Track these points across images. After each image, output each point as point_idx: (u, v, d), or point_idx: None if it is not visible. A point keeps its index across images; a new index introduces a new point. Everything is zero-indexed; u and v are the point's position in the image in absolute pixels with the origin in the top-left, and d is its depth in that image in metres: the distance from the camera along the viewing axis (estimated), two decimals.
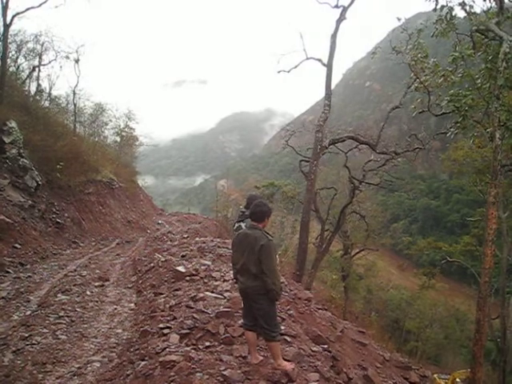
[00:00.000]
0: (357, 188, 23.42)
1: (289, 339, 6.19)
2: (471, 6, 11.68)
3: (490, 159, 11.16)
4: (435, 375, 30.19)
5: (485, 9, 12.29)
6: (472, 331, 10.78)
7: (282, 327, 6.30)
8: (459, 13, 12.57)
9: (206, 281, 9.07)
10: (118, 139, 40.75)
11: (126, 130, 40.24)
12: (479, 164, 25.76)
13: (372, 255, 37.53)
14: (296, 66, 19.70)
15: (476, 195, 33.24)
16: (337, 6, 18.39)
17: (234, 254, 5.41)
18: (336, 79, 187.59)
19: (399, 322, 40.69)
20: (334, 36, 18.42)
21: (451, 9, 11.94)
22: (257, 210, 5.25)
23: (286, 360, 5.26)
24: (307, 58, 19.22)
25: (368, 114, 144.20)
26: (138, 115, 40.03)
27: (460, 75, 13.26)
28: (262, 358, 5.40)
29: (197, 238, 16.87)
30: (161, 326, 6.66)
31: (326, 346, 6.78)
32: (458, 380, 26.71)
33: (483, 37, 11.93)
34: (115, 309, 9.59)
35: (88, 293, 10.55)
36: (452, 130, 11.88)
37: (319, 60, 18.80)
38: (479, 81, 12.03)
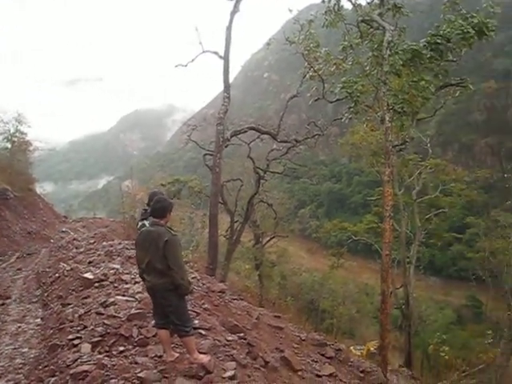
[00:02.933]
0: (262, 178, 23.79)
1: (203, 332, 6.20)
2: None
3: (383, 141, 11.87)
4: (351, 347, 31.91)
5: (369, 0, 13.01)
6: (379, 302, 11.50)
7: (197, 321, 6.29)
8: (346, 4, 13.19)
9: (116, 285, 8.78)
10: (9, 145, 37.84)
11: (17, 134, 37.44)
12: (374, 146, 27.38)
13: (283, 242, 38.40)
14: (193, 60, 19.51)
15: (374, 176, 35.26)
16: None
17: (138, 253, 5.29)
18: (235, 71, 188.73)
19: (314, 302, 42.15)
20: (229, 28, 18.47)
21: (338, 0, 12.54)
22: (157, 206, 5.17)
23: (201, 353, 5.27)
24: (204, 52, 19.11)
25: (268, 105, 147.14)
26: (29, 118, 37.38)
27: (350, 63, 13.94)
28: (177, 354, 5.36)
29: (104, 243, 16.25)
30: (70, 337, 6.35)
31: (242, 335, 6.88)
32: (372, 349, 28.50)
33: (369, 27, 12.62)
34: (19, 327, 8.92)
35: None
36: (346, 115, 12.47)
37: (216, 53, 18.77)
38: (368, 68, 12.71)
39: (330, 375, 7.91)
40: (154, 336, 5.84)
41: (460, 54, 11.61)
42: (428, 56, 11.06)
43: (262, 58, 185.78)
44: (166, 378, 4.74)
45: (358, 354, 27.18)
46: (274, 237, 33.39)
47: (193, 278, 9.16)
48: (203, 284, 9.27)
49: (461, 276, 58.71)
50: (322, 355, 9.02)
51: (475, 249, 39.90)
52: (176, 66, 19.68)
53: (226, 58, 18.38)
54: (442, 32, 10.98)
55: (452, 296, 68.26)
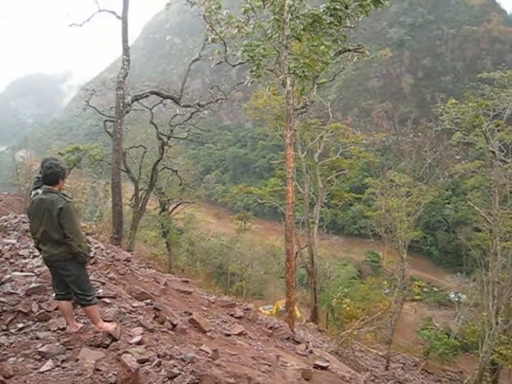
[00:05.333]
0: (166, 144, 23.36)
1: (108, 301, 6.06)
2: None
3: (285, 105, 12.07)
4: (260, 307, 33.04)
5: None
6: (285, 262, 11.95)
7: (101, 291, 6.12)
8: None
9: (12, 261, 8.21)
10: None
11: None
12: (277, 110, 27.81)
13: (189, 208, 38.36)
14: (88, 19, 18.38)
15: (278, 140, 36.00)
16: None
17: (31, 223, 4.98)
18: (135, 34, 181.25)
19: (223, 266, 42.89)
20: None
21: None
22: (49, 172, 4.86)
23: (106, 321, 5.16)
24: (100, 11, 18.03)
25: (171, 69, 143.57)
26: None
27: (252, 26, 13.84)
28: (81, 325, 5.20)
29: None
30: None
31: (149, 301, 6.83)
32: (281, 308, 29.74)
33: None
34: None
35: None
36: (248, 78, 12.47)
37: (113, 12, 17.79)
38: (269, 31, 12.70)
39: (240, 334, 8.14)
40: (56, 309, 5.60)
41: (357, 21, 11.98)
42: (328, 21, 11.30)
43: (163, 20, 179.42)
44: (70, 349, 4.60)
45: (267, 312, 28.31)
46: (180, 203, 33.25)
47: (97, 247, 8.86)
48: (108, 253, 9.00)
49: (361, 234, 62.46)
50: (232, 316, 9.24)
51: (373, 207, 42.51)
52: (70, 26, 18.46)
53: (124, 19, 17.51)
54: None
55: (353, 253, 72.88)
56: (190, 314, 7.39)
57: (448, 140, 35.45)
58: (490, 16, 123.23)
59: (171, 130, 23.51)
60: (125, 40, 17.82)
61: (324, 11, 11.23)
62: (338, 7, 11.14)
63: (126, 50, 17.78)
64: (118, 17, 17.59)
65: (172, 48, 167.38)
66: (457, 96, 35.15)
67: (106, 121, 21.86)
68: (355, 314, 20.54)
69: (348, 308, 21.19)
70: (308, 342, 10.98)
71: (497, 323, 22.01)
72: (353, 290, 34.93)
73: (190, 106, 21.19)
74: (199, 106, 20.92)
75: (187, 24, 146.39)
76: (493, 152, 25.26)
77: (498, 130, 25.94)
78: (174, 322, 6.15)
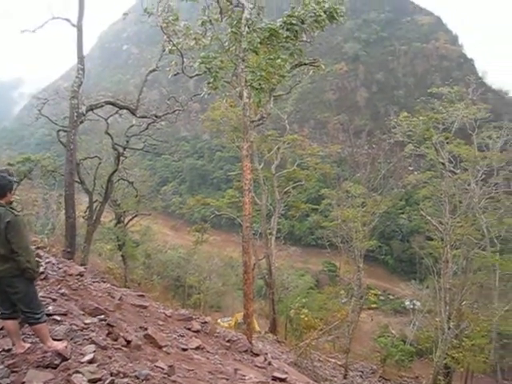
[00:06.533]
0: (121, 155, 22.94)
1: (59, 318, 5.83)
2: None
3: (242, 116, 12.12)
4: (219, 320, 32.75)
5: None
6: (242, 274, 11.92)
7: (51, 307, 5.89)
8: None
9: None
10: None
11: None
12: (234, 122, 27.89)
13: (146, 220, 37.75)
14: (41, 26, 17.89)
15: (235, 151, 36.01)
16: None
17: None
18: (91, 42, 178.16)
19: (180, 279, 42.37)
20: None
21: None
22: None
23: (56, 340, 4.94)
24: (54, 18, 17.60)
25: (128, 79, 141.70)
26: None
27: (209, 38, 13.87)
28: (29, 345, 4.96)
29: None
30: None
31: (102, 317, 6.63)
32: (239, 320, 29.59)
33: (228, 3, 12.65)
34: None
35: None
36: (205, 90, 12.46)
37: (68, 20, 17.41)
38: (227, 44, 12.76)
39: (197, 348, 8.04)
40: (0, 329, 5.33)
41: (313, 36, 12.22)
42: (284, 35, 11.47)
43: (120, 29, 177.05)
44: (16, 372, 4.36)
45: (225, 325, 28.08)
46: (136, 215, 32.67)
47: (48, 262, 8.56)
48: (59, 268, 8.71)
49: (318, 244, 63.21)
50: (189, 329, 9.13)
51: (329, 218, 43.13)
52: (22, 32, 17.91)
53: (79, 27, 17.16)
54: (296, 13, 11.44)
55: (310, 263, 73.45)
56: (146, 329, 7.24)
57: (401, 152, 36.50)
58: (437, 35, 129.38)
59: (127, 141, 23.13)
60: (79, 48, 17.46)
61: (281, 25, 11.39)
62: (294, 22, 11.33)
63: (80, 58, 17.40)
64: (73, 25, 17.23)
65: (129, 58, 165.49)
66: (409, 109, 36.26)
67: (59, 130, 21.25)
68: (313, 324, 20.69)
69: (306, 318, 21.34)
70: (266, 354, 10.95)
71: (449, 328, 22.71)
72: (311, 300, 35.22)
73: (146, 117, 20.94)
74: (156, 116, 20.70)
75: (144, 34, 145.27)
76: (443, 163, 26.23)
77: (447, 143, 27.00)
78: (129, 338, 6.00)
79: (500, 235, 29.94)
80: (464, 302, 26.10)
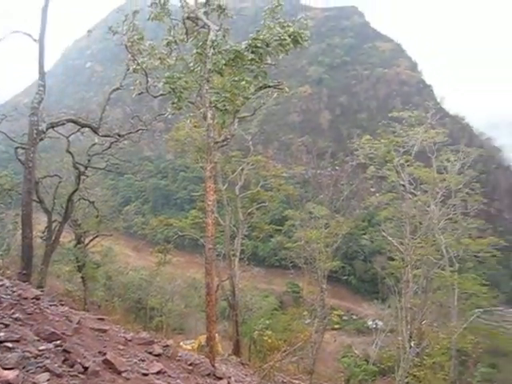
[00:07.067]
0: (83, 174, 22.59)
1: (10, 345, 5.55)
2: None
3: (205, 137, 12.13)
4: (181, 343, 32.14)
5: None
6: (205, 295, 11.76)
7: (2, 334, 5.63)
8: (174, 0, 13.11)
9: None
10: None
11: None
12: (199, 143, 27.88)
13: (107, 241, 37.03)
14: (0, 40, 17.56)
15: (199, 172, 35.94)
16: None
17: None
18: (55, 58, 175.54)
19: (142, 301, 41.51)
20: (44, 10, 17.02)
21: None
22: None
23: (7, 369, 4.70)
24: (14, 32, 17.33)
25: (91, 96, 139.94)
26: None
27: (174, 58, 13.90)
28: None
29: None
30: None
31: (58, 342, 6.37)
32: (203, 342, 29.08)
33: (194, 24, 12.75)
34: None
35: None
36: (169, 110, 12.44)
37: (29, 35, 17.16)
38: (192, 64, 12.81)
39: (158, 372, 7.85)
40: None
41: (278, 59, 12.41)
42: (249, 58, 11.59)
43: (84, 46, 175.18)
44: None
45: (188, 348, 27.55)
46: (97, 236, 31.98)
47: (1, 285, 8.21)
48: (14, 291, 8.36)
49: (281, 265, 63.17)
50: (150, 353, 8.94)
51: (293, 239, 43.29)
52: None
53: (41, 42, 16.93)
54: (261, 36, 11.60)
55: (274, 284, 73.43)
56: (105, 353, 7.01)
57: (363, 173, 37.19)
58: (398, 61, 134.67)
59: (89, 160, 22.81)
60: (41, 64, 17.18)
61: (246, 48, 11.52)
62: (259, 45, 11.49)
63: (42, 74, 17.12)
64: (35, 40, 16.98)
65: (92, 75, 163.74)
66: (371, 132, 37.14)
67: (17, 147, 20.76)
68: (277, 346, 20.55)
69: (270, 340, 21.19)
70: (230, 378, 10.82)
71: (410, 347, 23.01)
72: (275, 321, 35.05)
73: (109, 136, 20.72)
74: (119, 135, 20.50)
75: (109, 52, 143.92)
76: (403, 185, 26.91)
77: (408, 165, 27.74)
78: (86, 365, 5.78)
79: (458, 255, 30.79)
80: (424, 321, 26.57)
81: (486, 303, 30.65)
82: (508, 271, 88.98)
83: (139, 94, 16.07)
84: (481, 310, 30.27)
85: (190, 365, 9.46)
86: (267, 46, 11.65)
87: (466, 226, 30.72)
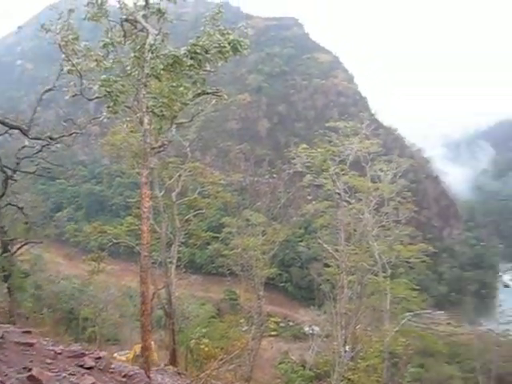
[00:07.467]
0: (11, 178, 21.46)
1: None
2: None
3: (142, 143, 11.90)
4: (115, 353, 31.17)
5: (135, 0, 12.86)
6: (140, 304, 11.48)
7: None
8: (112, 1, 12.78)
9: None
10: None
11: None
12: (135, 148, 27.30)
13: (37, 248, 35.43)
14: None
15: (135, 177, 35.10)
16: None
17: None
18: None
19: (74, 311, 40.06)
20: None
21: None
22: None
23: None
24: None
25: (22, 96, 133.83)
26: None
27: (111, 61, 13.55)
28: None
29: None
30: None
31: None
32: (138, 352, 28.35)
33: (133, 27, 12.51)
34: None
35: None
36: (105, 114, 12.11)
37: None
38: (129, 68, 12.55)
39: None
40: None
41: (217, 66, 12.41)
42: (188, 64, 11.52)
43: (14, 42, 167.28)
44: None
45: (123, 359, 26.76)
46: (26, 243, 30.40)
47: None
48: None
49: (219, 272, 62.94)
50: (81, 366, 8.60)
51: (230, 246, 43.28)
52: None
53: None
54: (201, 43, 11.57)
55: (212, 291, 73.04)
56: (30, 369, 6.65)
57: (300, 182, 37.90)
58: (335, 72, 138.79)
59: (18, 163, 21.71)
60: None
61: (185, 53, 11.43)
62: (198, 51, 11.45)
63: None
64: None
65: (23, 74, 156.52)
66: (308, 141, 37.90)
67: None
68: (214, 354, 20.41)
69: (206, 348, 21.03)
70: None
71: (345, 351, 23.61)
72: (212, 329, 34.82)
73: (40, 139, 19.82)
74: (51, 138, 19.65)
75: (42, 50, 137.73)
76: (339, 194, 27.67)
77: (343, 174, 28.58)
78: (8, 383, 5.45)
79: (390, 261, 31.97)
80: (359, 326, 27.39)
81: (416, 307, 32.04)
82: (436, 276, 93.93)
83: (73, 96, 15.52)
84: (411, 313, 31.59)
85: (124, 376, 9.20)
86: (206, 52, 11.63)
87: (398, 233, 31.97)
